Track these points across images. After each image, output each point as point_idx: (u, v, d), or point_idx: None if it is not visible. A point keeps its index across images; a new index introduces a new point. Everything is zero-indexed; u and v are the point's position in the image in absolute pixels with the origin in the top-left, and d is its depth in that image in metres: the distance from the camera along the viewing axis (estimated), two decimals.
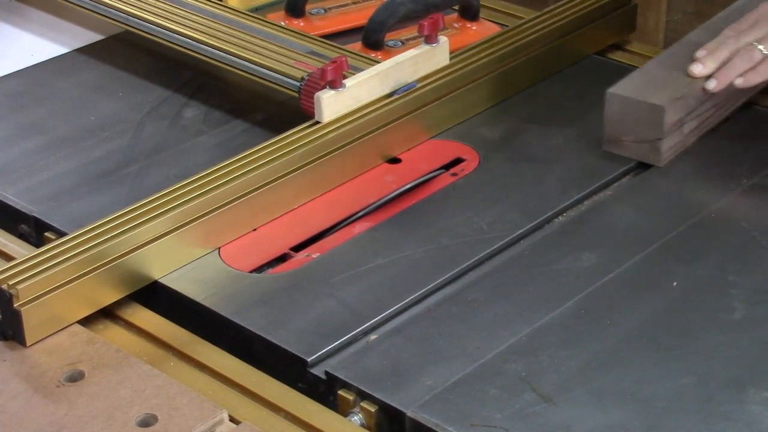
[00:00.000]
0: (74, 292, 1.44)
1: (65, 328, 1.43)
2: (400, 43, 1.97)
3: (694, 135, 1.75)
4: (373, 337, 1.42)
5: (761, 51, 1.69)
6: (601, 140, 1.76)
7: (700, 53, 1.72)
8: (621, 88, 1.72)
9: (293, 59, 1.83)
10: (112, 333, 1.45)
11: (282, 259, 1.56)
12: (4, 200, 1.67)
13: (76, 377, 1.36)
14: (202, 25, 1.94)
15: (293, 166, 1.64)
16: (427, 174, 1.71)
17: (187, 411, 1.30)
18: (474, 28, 2.04)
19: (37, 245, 1.58)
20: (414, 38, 1.96)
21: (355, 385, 1.34)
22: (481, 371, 1.35)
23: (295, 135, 1.67)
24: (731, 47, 1.71)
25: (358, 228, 1.61)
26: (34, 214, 1.64)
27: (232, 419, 1.32)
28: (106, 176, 1.72)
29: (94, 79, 1.98)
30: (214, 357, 1.41)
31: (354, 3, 2.12)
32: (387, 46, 1.95)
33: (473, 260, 1.53)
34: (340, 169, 1.69)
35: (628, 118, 1.70)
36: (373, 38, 1.94)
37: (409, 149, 1.76)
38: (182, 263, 1.54)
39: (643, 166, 1.70)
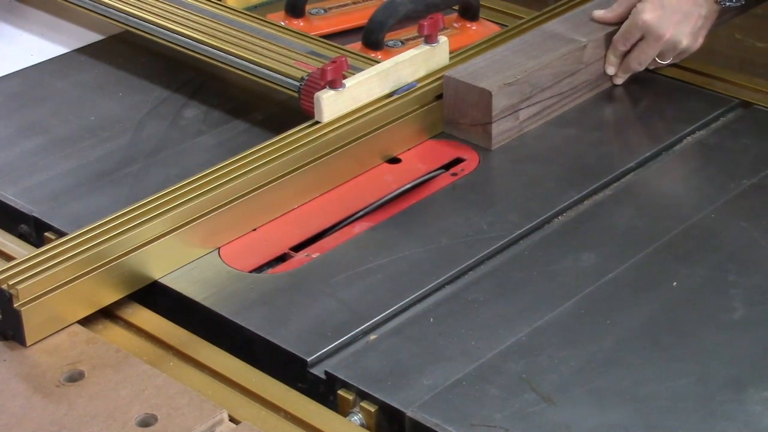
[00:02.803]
0: (74, 292, 1.44)
1: (65, 328, 1.43)
2: (400, 43, 1.97)
3: (533, 122, 1.78)
4: (373, 337, 1.42)
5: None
6: (600, 140, 1.76)
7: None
8: (458, 72, 1.76)
9: (293, 59, 1.83)
10: (112, 333, 1.45)
11: (282, 259, 1.56)
12: (4, 200, 1.67)
13: (76, 377, 1.35)
14: (202, 25, 1.94)
15: (293, 166, 1.64)
16: (427, 174, 1.71)
17: (186, 411, 1.30)
18: (474, 28, 2.04)
19: (37, 245, 1.58)
20: (414, 38, 1.96)
21: (355, 385, 1.34)
22: (481, 371, 1.35)
23: (295, 135, 1.67)
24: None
25: (358, 228, 1.61)
26: (34, 214, 1.63)
27: (232, 419, 1.32)
28: (106, 176, 1.72)
29: (94, 79, 1.98)
30: (214, 357, 1.41)
31: (354, 3, 2.12)
32: (386, 46, 1.95)
33: (473, 260, 1.52)
34: (340, 169, 1.69)
35: (462, 102, 1.75)
36: (373, 38, 1.95)
37: (409, 149, 1.76)
38: (182, 263, 1.54)
39: (642, 166, 1.70)
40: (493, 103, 1.71)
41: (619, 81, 1.86)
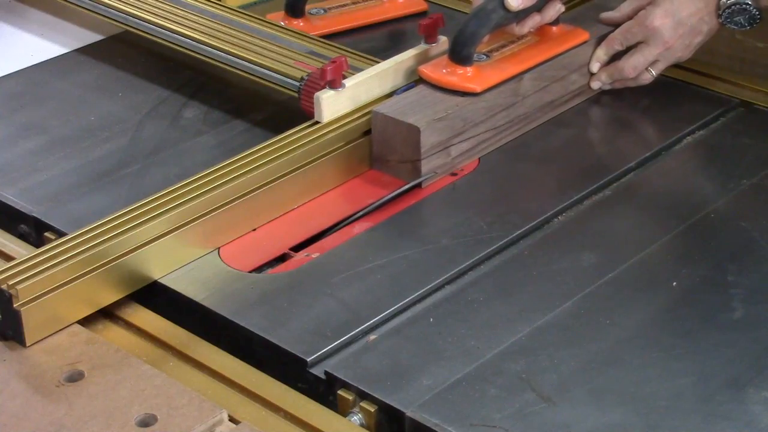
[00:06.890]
0: (74, 292, 1.44)
1: (65, 328, 1.43)
2: (484, 57, 1.76)
3: (466, 157, 1.69)
4: (372, 337, 1.42)
5: (651, 73, 1.82)
6: (600, 140, 1.76)
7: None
8: (386, 107, 1.67)
9: (293, 59, 1.83)
10: (112, 333, 1.45)
11: (282, 259, 1.56)
12: (4, 200, 1.67)
13: (75, 377, 1.35)
14: (202, 25, 1.94)
15: (293, 166, 1.64)
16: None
17: (186, 411, 1.30)
18: (555, 30, 1.83)
19: (37, 245, 1.58)
20: (499, 48, 1.79)
21: (355, 385, 1.34)
22: (480, 371, 1.35)
23: (295, 135, 1.67)
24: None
25: (358, 228, 1.61)
26: (34, 214, 1.63)
27: (231, 419, 1.32)
28: (106, 176, 1.72)
29: (94, 79, 1.98)
30: (213, 357, 1.41)
31: (354, 3, 2.11)
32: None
33: (473, 260, 1.52)
34: (340, 169, 1.69)
35: (391, 138, 1.66)
36: (464, 52, 1.72)
37: None
38: (182, 263, 1.54)
39: (642, 166, 1.70)
40: (422, 139, 1.62)
41: (596, 84, 1.83)
